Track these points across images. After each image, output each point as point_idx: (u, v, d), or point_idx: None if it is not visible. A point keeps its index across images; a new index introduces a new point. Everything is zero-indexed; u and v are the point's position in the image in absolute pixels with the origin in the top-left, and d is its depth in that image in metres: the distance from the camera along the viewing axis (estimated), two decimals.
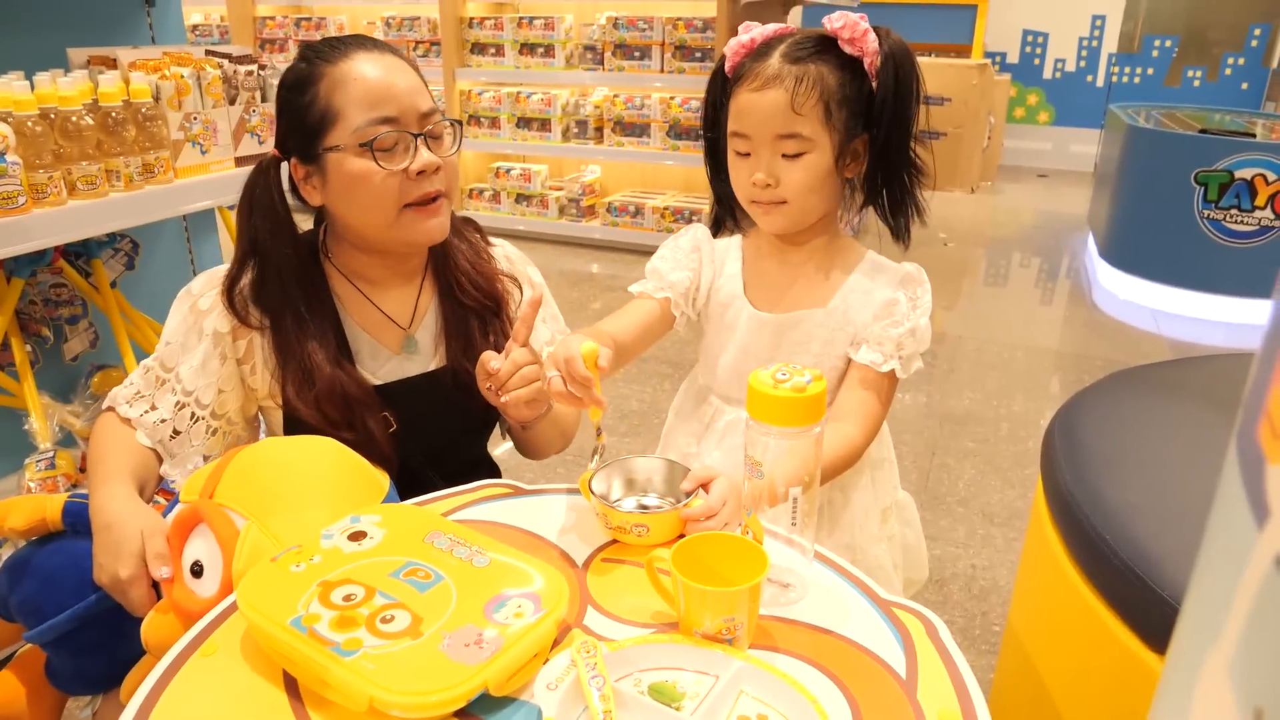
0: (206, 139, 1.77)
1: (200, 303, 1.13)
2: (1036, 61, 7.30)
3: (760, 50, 1.07)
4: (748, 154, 1.07)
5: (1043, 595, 1.04)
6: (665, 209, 4.63)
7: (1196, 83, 6.86)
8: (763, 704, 0.72)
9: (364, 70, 1.06)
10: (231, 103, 1.84)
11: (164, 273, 2.18)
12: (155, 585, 0.95)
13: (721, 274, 1.20)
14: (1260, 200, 3.51)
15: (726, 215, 1.21)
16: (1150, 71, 6.99)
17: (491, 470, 1.34)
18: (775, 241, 1.17)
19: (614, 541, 0.95)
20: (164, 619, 0.90)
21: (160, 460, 1.13)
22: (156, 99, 1.65)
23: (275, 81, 1.22)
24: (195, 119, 1.74)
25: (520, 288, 1.29)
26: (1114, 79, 7.09)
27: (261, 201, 1.12)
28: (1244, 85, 6.73)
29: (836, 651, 0.79)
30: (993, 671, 0.79)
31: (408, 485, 1.10)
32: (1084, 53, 7.16)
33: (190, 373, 1.12)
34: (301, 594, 0.77)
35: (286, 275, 1.12)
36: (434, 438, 1.20)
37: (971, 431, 2.65)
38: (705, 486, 0.95)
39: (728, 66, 1.10)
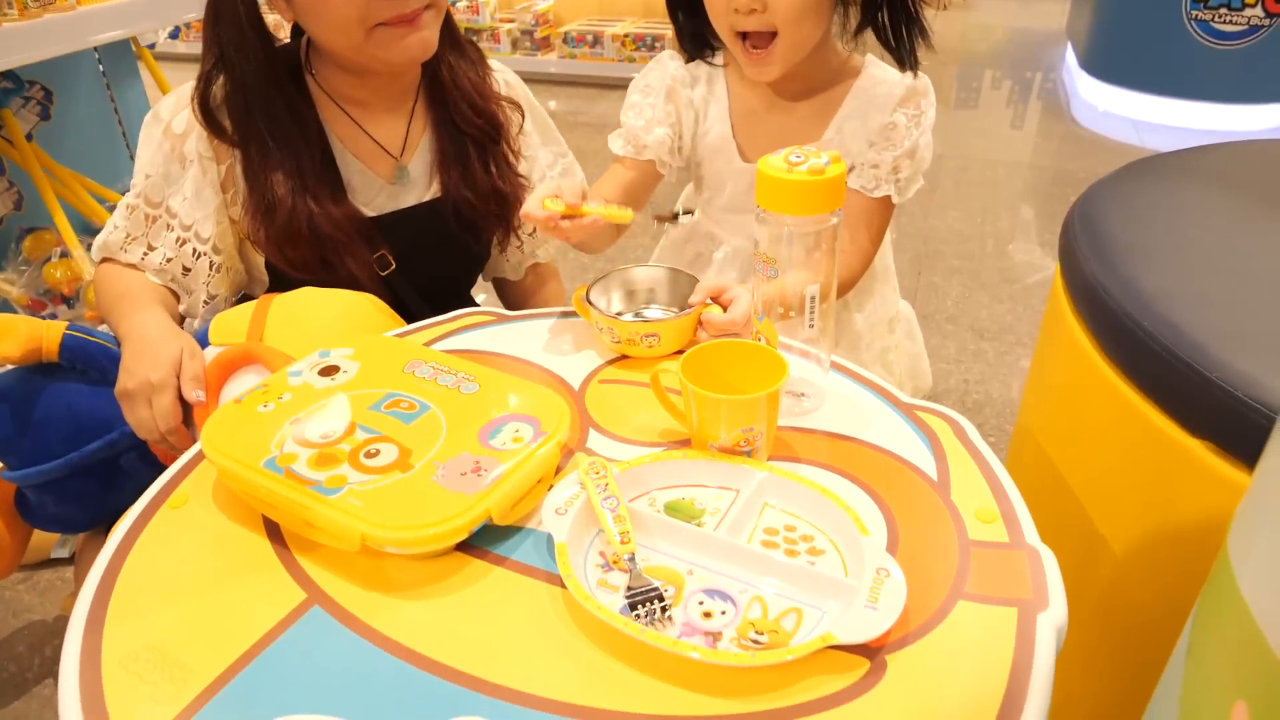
0: None
1: (174, 125, 1.00)
2: None
3: None
4: None
5: (1063, 391, 1.00)
6: (626, 36, 4.33)
7: None
8: (790, 515, 0.67)
9: None
10: None
11: (86, 124, 1.99)
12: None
13: (706, 117, 1.08)
14: None
15: (698, 52, 1.08)
16: None
17: None
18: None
19: (611, 362, 0.88)
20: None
21: (176, 299, 1.04)
22: None
23: None
24: None
25: (522, 113, 1.17)
26: None
27: (227, 9, 0.97)
28: None
29: (862, 458, 0.74)
30: None
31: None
32: None
33: (184, 205, 1.01)
34: (273, 434, 0.69)
35: (253, 95, 0.99)
36: (430, 274, 1.11)
37: (956, 249, 2.59)
38: (716, 299, 0.88)
39: None
